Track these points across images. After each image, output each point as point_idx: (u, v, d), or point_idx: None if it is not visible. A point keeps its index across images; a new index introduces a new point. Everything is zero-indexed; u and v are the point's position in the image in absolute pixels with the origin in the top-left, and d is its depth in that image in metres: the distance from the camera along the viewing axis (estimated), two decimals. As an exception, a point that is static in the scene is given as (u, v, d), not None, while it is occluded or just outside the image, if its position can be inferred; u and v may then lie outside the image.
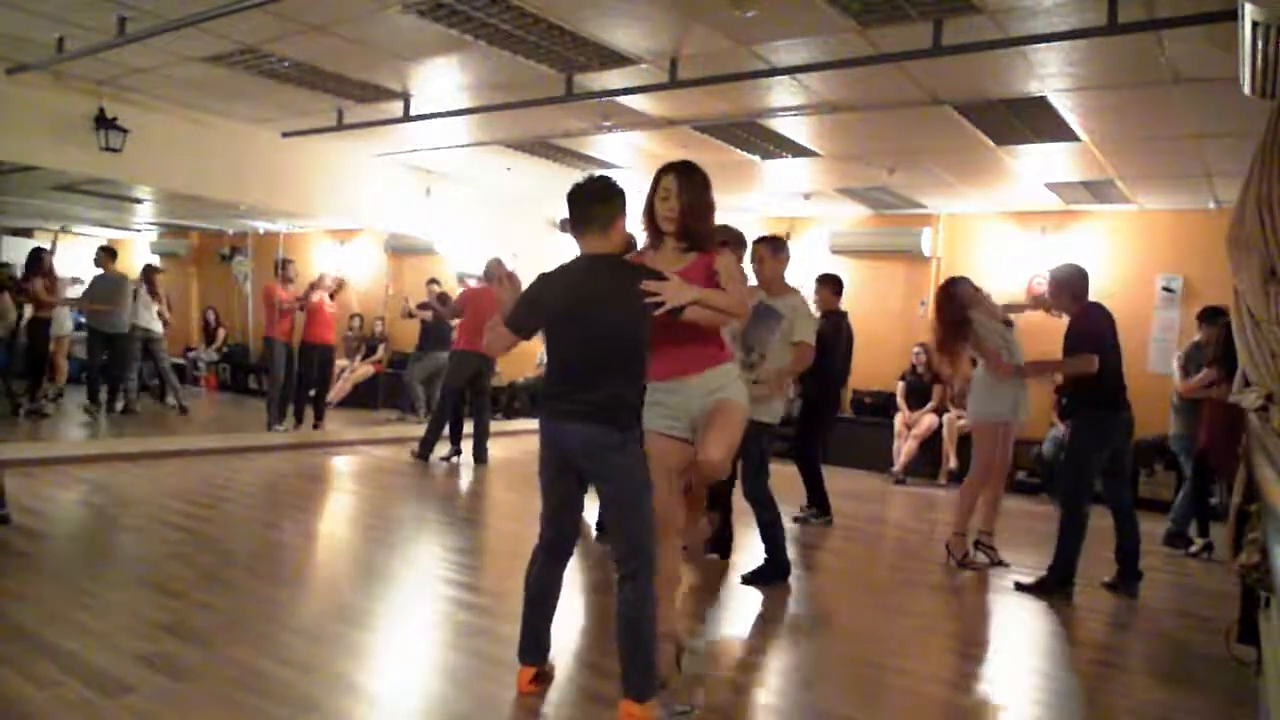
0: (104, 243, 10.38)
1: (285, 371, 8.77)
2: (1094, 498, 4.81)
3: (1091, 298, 4.94)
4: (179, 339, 12.91)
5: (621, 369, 2.85)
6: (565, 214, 3.02)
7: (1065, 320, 4.91)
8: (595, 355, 2.84)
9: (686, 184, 3.07)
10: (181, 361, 12.44)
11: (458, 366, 7.89)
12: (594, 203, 2.91)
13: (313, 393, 9.07)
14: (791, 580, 4.72)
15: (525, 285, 3.04)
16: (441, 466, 7.78)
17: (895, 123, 6.12)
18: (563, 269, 3.00)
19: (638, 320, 2.84)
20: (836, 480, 8.18)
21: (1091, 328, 4.75)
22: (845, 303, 6.82)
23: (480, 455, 7.91)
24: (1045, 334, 5.90)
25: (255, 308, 12.40)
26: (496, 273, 7.72)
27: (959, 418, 8.21)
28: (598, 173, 3.08)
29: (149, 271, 9.95)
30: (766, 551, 4.69)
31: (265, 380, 9.76)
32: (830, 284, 6.66)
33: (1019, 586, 4.84)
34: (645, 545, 2.84)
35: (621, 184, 2.98)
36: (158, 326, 9.66)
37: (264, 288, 9.16)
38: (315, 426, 8.99)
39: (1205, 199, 7.72)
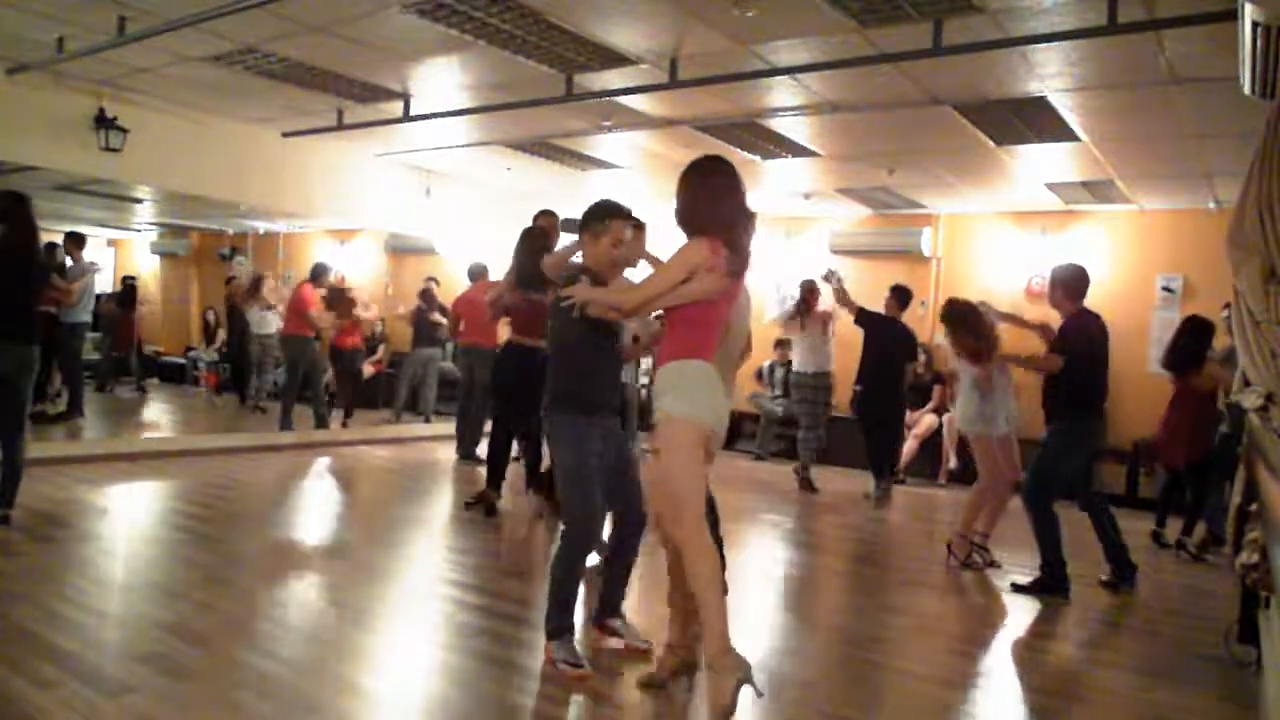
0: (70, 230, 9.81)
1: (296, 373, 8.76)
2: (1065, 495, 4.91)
3: (1093, 298, 4.95)
4: (179, 339, 12.91)
5: (554, 363, 3.38)
6: (567, 215, 3.29)
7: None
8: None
9: (679, 187, 3.24)
10: (182, 361, 12.44)
11: (461, 365, 7.94)
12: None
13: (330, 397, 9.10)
14: (791, 580, 4.71)
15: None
16: (443, 467, 7.77)
17: (895, 123, 6.12)
18: None
19: (556, 320, 3.29)
20: (837, 480, 8.24)
21: (1073, 334, 4.81)
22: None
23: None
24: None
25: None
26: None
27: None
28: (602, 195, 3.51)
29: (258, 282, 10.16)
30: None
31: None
32: (893, 293, 7.67)
33: (1015, 588, 4.85)
34: (570, 514, 3.27)
35: (613, 195, 3.24)
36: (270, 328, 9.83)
37: (299, 289, 8.71)
38: (344, 425, 9.06)
39: (1205, 199, 7.72)
